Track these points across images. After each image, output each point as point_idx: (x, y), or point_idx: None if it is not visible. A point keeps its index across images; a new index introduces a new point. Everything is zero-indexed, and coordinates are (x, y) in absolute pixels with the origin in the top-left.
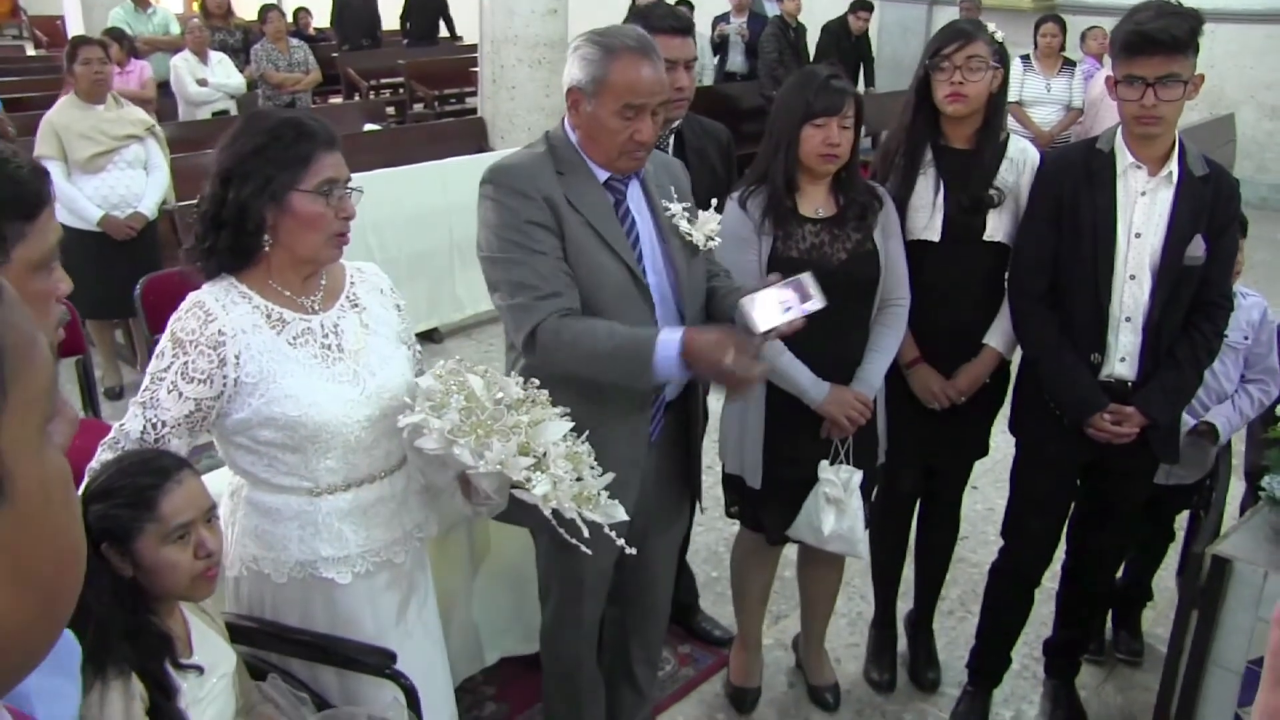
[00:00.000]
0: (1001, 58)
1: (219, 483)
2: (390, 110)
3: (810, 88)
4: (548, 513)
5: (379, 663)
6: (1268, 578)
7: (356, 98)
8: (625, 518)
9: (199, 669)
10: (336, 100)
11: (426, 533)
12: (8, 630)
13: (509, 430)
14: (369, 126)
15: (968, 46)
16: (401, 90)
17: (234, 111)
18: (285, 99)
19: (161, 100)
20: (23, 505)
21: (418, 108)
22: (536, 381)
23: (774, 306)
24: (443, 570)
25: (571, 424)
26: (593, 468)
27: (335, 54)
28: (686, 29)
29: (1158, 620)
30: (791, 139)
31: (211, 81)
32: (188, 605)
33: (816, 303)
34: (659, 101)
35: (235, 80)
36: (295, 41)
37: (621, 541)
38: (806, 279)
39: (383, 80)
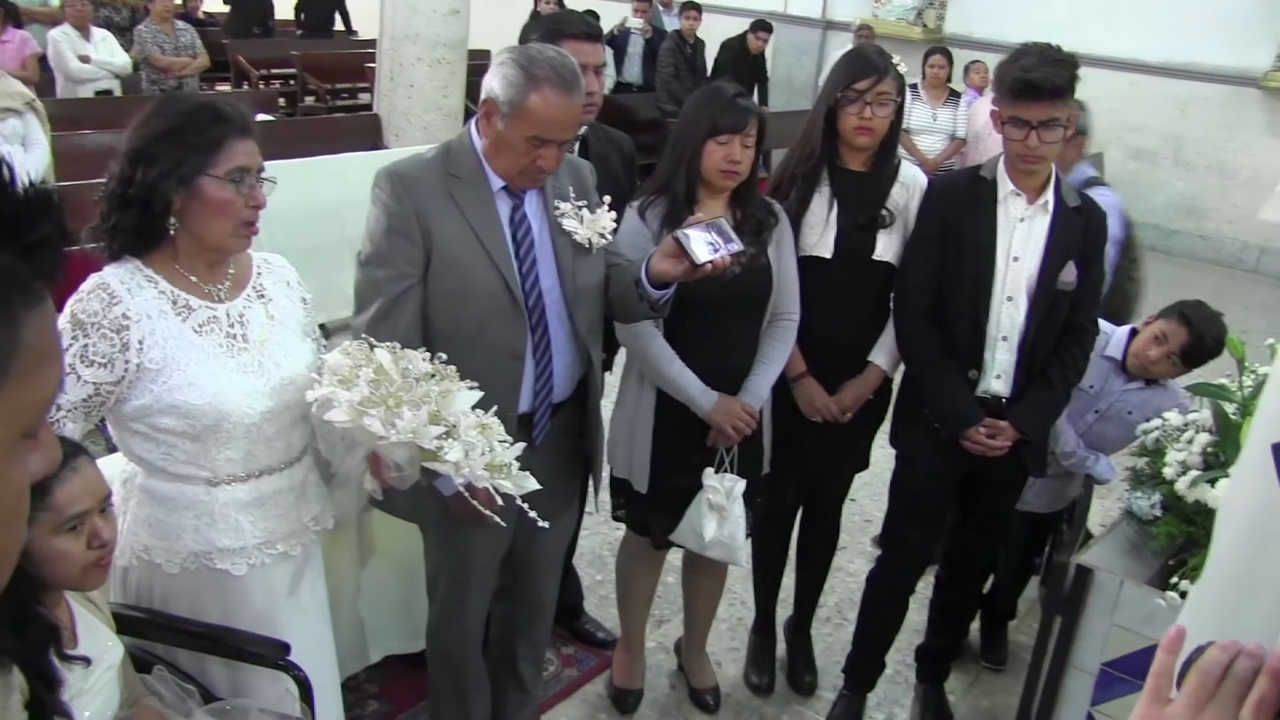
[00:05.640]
0: (901, 89)
1: (110, 469)
2: (281, 101)
3: (716, 105)
4: (459, 483)
5: (272, 654)
6: (1123, 586)
7: (246, 86)
8: (537, 486)
9: (85, 660)
10: (225, 88)
11: (323, 525)
12: None
13: (419, 400)
14: (261, 117)
15: (879, 84)
16: (293, 81)
17: (118, 92)
18: (171, 84)
19: (39, 74)
20: None
21: (309, 100)
22: (444, 356)
23: (704, 245)
24: (330, 565)
25: (481, 394)
26: (503, 440)
27: (226, 40)
28: (597, 35)
29: (1020, 628)
30: (694, 153)
31: (95, 59)
32: (74, 594)
33: (736, 245)
34: (568, 138)
35: (120, 59)
36: (181, 24)
37: (534, 514)
38: (723, 223)
39: (274, 70)
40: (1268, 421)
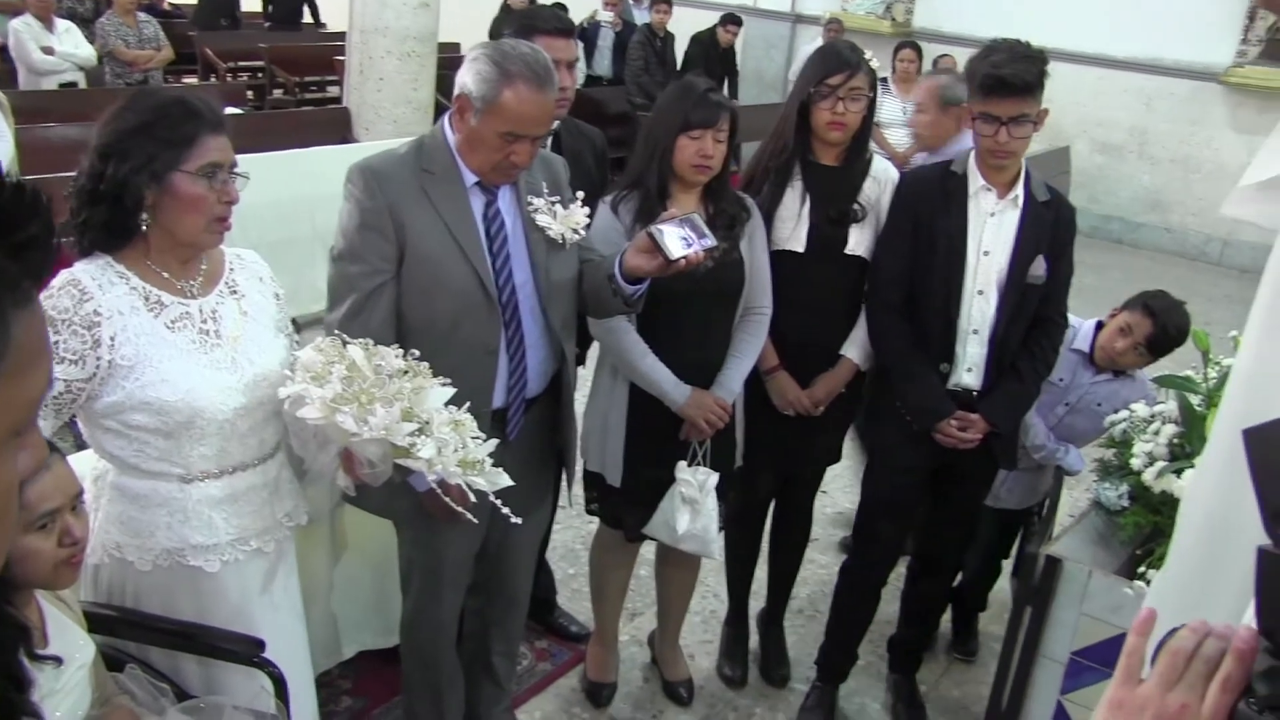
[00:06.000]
0: (873, 84)
1: (81, 466)
2: (249, 94)
3: (689, 99)
4: (432, 480)
5: (246, 651)
6: (1091, 575)
7: (213, 79)
8: (510, 482)
9: (56, 660)
10: (192, 81)
11: (296, 520)
12: None
13: (392, 397)
14: (230, 110)
15: (852, 79)
16: (261, 74)
17: (83, 84)
18: (137, 77)
19: None
20: None
21: (277, 93)
22: (417, 352)
23: (677, 240)
24: (304, 561)
25: (454, 391)
26: (476, 436)
27: (192, 32)
28: (570, 30)
29: (992, 620)
30: (667, 148)
31: (59, 50)
32: (44, 593)
33: (710, 240)
34: (542, 133)
35: (85, 51)
36: (144, 16)
37: (507, 510)
38: (696, 218)
39: (241, 63)
40: (1232, 412)
